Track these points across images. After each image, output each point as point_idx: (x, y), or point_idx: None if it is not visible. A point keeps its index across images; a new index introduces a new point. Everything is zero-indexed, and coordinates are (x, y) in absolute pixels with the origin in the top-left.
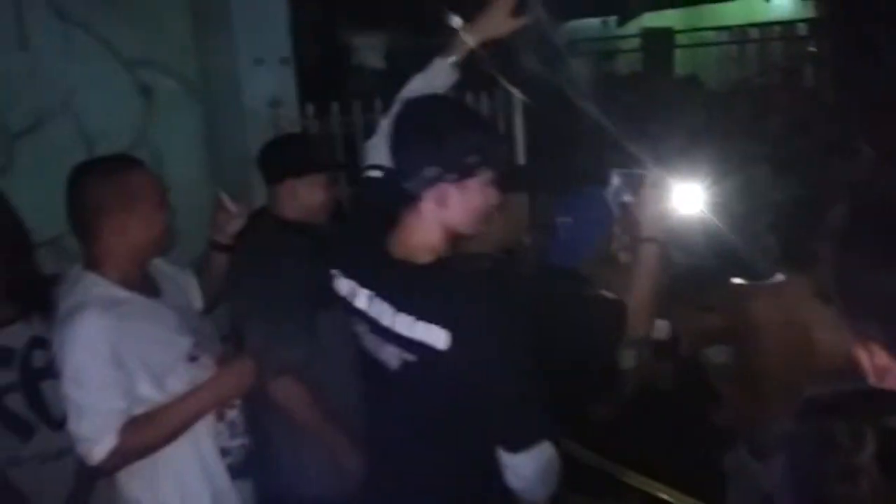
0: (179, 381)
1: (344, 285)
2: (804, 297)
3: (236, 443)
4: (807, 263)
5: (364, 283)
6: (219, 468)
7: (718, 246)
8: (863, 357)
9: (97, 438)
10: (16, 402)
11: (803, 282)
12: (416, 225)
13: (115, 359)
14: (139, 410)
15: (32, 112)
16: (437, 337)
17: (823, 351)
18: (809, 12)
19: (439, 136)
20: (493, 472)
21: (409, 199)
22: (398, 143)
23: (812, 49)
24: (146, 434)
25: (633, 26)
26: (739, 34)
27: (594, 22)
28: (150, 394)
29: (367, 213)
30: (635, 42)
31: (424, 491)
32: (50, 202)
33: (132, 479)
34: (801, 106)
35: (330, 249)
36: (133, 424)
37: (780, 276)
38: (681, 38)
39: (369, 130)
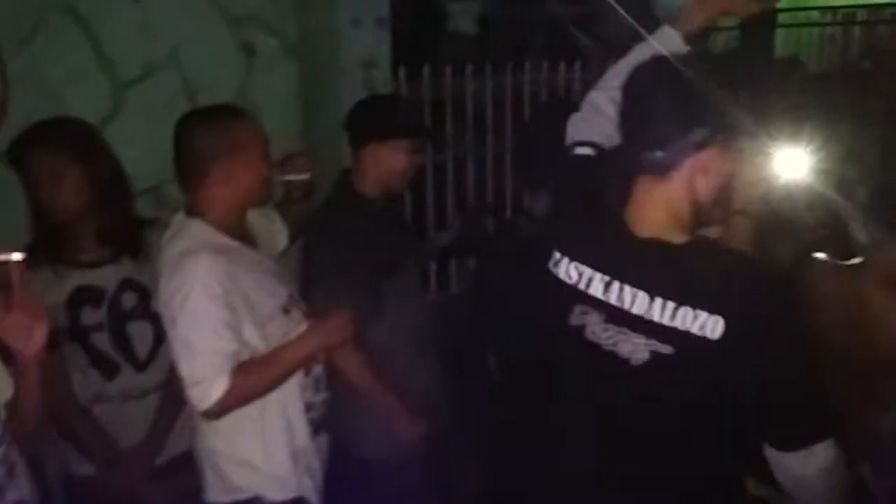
0: (277, 330)
1: (571, 270)
2: (880, 283)
3: (320, 398)
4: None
5: (600, 268)
6: (301, 424)
7: (815, 217)
8: None
9: (212, 380)
10: (102, 340)
11: (881, 266)
12: (665, 199)
13: (228, 301)
14: (244, 355)
15: (141, 63)
16: (708, 325)
17: (887, 339)
18: None
19: (704, 98)
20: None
21: (660, 171)
22: (650, 111)
23: None
24: (257, 378)
25: None
26: (846, 16)
27: None
28: (253, 340)
29: (586, 191)
30: (733, 19)
31: (663, 492)
32: (154, 150)
33: (213, 429)
34: None
35: (549, 232)
36: (245, 367)
37: (858, 259)
38: (783, 18)
39: (459, 96)
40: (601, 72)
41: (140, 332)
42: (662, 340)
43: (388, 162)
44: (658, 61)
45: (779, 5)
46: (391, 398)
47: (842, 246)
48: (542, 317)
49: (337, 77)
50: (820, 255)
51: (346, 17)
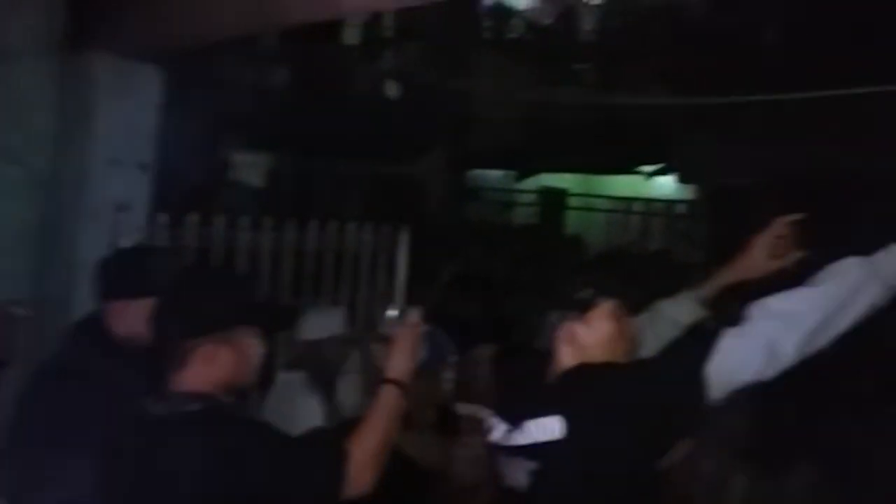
0: None
1: None
2: None
3: None
4: None
5: None
6: None
7: None
8: None
9: None
10: None
11: None
12: None
13: None
14: None
15: None
16: None
17: None
18: (688, 194)
19: None
20: None
21: None
22: None
23: (685, 228)
24: None
25: (532, 183)
26: (624, 205)
27: (497, 173)
28: None
29: None
30: (532, 196)
31: None
32: None
33: None
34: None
35: None
36: None
37: None
38: (573, 201)
39: (230, 247)
40: None
41: None
42: None
43: (136, 319)
44: None
45: (571, 190)
46: None
47: None
48: None
49: (83, 216)
50: None
51: (103, 155)
